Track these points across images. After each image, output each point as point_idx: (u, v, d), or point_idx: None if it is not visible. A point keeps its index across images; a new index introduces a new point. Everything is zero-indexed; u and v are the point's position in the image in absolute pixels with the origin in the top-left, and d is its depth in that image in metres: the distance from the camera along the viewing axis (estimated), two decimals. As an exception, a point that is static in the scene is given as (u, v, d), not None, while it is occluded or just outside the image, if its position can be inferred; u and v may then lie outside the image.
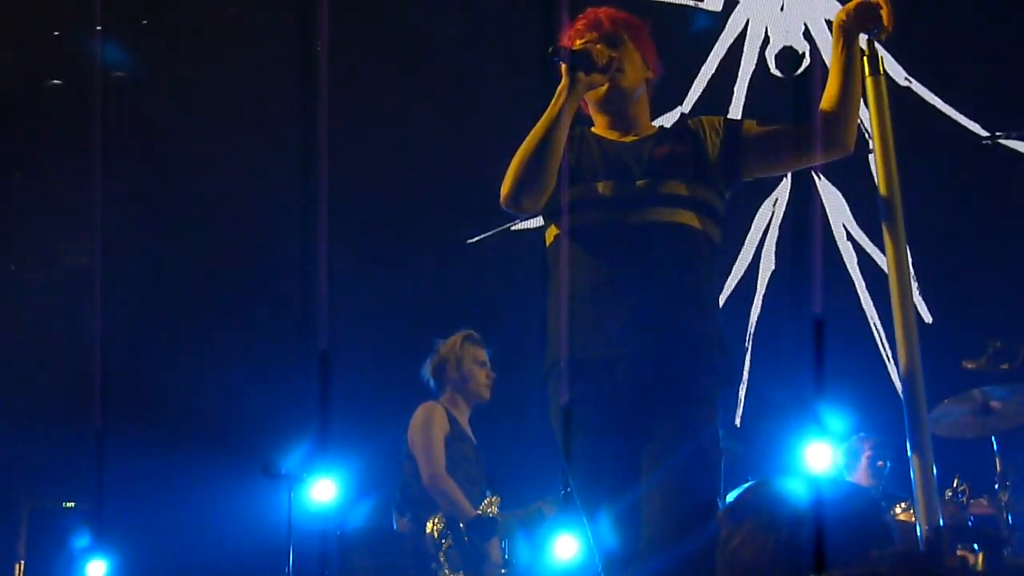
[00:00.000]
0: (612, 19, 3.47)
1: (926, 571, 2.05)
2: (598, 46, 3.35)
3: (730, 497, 3.19)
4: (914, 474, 2.88)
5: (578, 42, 3.39)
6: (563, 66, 3.30)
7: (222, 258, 7.61)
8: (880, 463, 6.24)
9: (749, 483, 2.38)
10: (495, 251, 7.42)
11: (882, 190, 3.11)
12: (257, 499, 6.54)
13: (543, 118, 3.30)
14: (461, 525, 5.55)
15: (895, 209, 3.06)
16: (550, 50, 3.31)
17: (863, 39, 3.25)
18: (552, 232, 3.41)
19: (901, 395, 2.98)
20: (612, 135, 3.47)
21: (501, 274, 7.23)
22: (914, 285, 6.90)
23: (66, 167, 7.28)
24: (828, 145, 3.32)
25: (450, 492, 5.59)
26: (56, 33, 7.23)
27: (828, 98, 3.31)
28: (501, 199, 3.33)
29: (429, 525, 5.58)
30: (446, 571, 5.53)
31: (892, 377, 6.70)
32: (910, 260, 6.91)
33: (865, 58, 3.19)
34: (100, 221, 6.70)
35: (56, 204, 7.52)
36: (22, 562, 6.99)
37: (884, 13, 3.20)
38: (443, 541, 5.55)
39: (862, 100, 3.27)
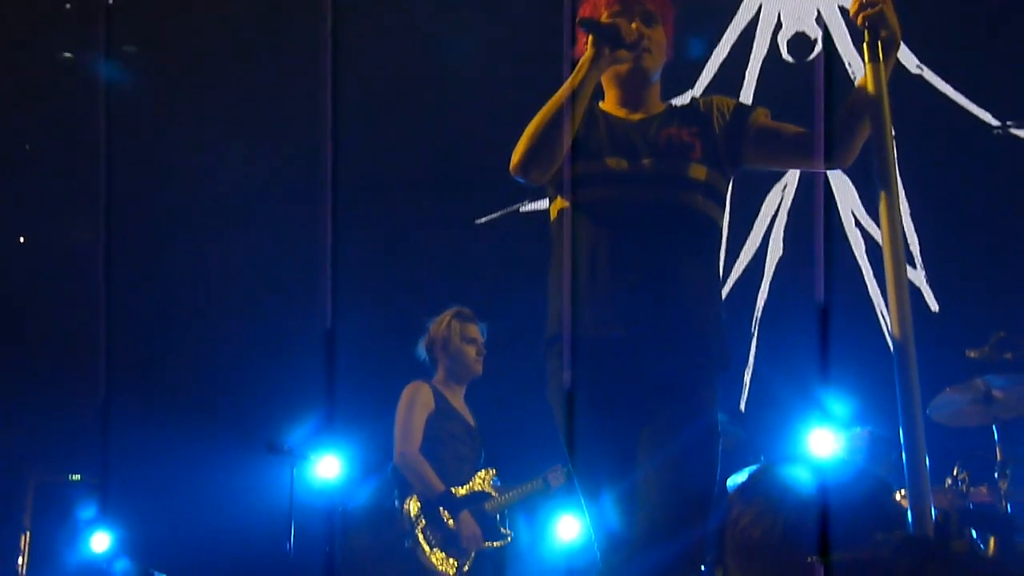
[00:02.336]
0: None
1: (931, 555, 2.06)
2: (634, 24, 3.30)
3: (738, 478, 3.19)
4: (906, 459, 2.87)
5: (615, 7, 3.36)
6: (589, 38, 3.26)
7: (229, 234, 7.63)
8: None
9: (759, 465, 2.39)
10: (504, 231, 7.44)
11: (878, 174, 3.06)
12: (262, 474, 6.58)
13: (562, 89, 3.26)
14: (442, 509, 5.58)
15: (893, 193, 3.02)
16: (578, 21, 3.29)
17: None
18: (557, 206, 3.38)
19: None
20: (620, 112, 3.44)
21: (510, 254, 7.24)
22: (922, 273, 6.93)
23: (74, 141, 7.30)
24: (832, 158, 3.29)
25: (418, 469, 5.61)
26: (68, 5, 7.26)
27: (849, 112, 3.24)
28: (511, 167, 3.30)
29: (407, 504, 5.60)
30: (424, 548, 5.56)
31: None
32: (916, 248, 6.91)
33: (865, 44, 3.12)
34: (106, 195, 6.70)
35: (64, 177, 7.55)
36: (28, 533, 7.03)
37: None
38: (419, 520, 5.57)
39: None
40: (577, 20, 3.31)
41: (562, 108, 3.23)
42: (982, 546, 4.47)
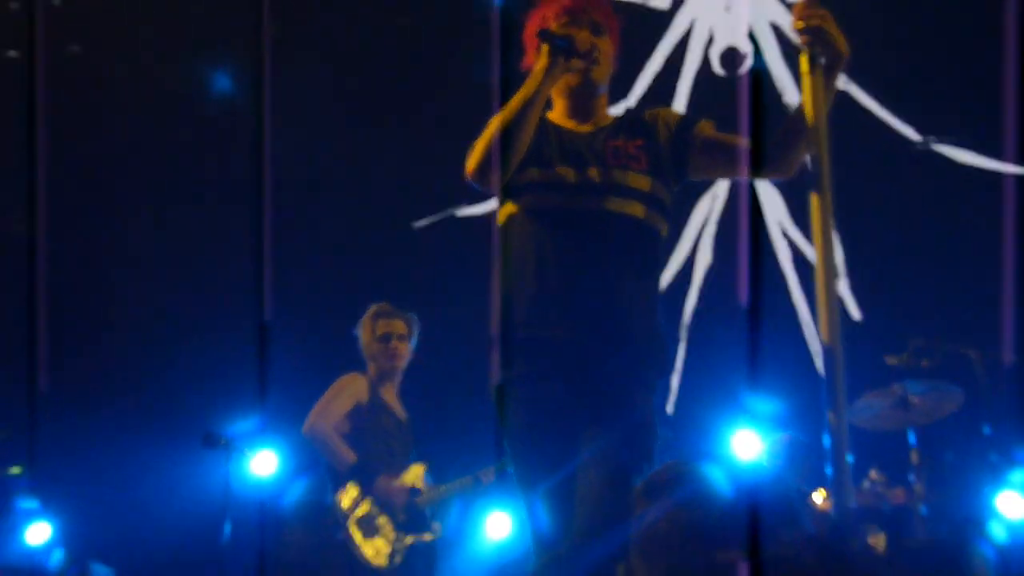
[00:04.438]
0: (601, 7, 3.51)
1: (832, 553, 2.19)
2: (583, 33, 3.41)
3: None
4: (831, 462, 2.96)
5: (564, 19, 3.45)
6: (544, 48, 3.34)
7: (167, 228, 7.64)
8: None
9: (666, 463, 2.44)
10: (442, 235, 7.49)
11: (814, 180, 3.14)
12: (199, 467, 6.59)
13: (517, 97, 3.32)
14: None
15: (826, 199, 3.10)
16: (536, 33, 3.37)
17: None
18: (507, 211, 3.45)
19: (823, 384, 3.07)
20: (570, 124, 3.52)
21: (447, 257, 7.29)
22: (844, 281, 7.10)
23: (8, 133, 7.29)
24: (776, 167, 3.38)
25: (327, 440, 5.65)
26: (13, 5, 7.25)
27: (793, 123, 3.32)
28: (466, 172, 3.35)
29: (339, 495, 5.65)
30: (357, 540, 5.60)
31: (820, 371, 6.83)
32: (840, 257, 7.06)
33: (803, 55, 3.20)
34: (42, 189, 6.70)
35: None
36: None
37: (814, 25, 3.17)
38: (353, 511, 5.62)
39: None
40: (536, 32, 3.38)
41: (518, 116, 3.29)
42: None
